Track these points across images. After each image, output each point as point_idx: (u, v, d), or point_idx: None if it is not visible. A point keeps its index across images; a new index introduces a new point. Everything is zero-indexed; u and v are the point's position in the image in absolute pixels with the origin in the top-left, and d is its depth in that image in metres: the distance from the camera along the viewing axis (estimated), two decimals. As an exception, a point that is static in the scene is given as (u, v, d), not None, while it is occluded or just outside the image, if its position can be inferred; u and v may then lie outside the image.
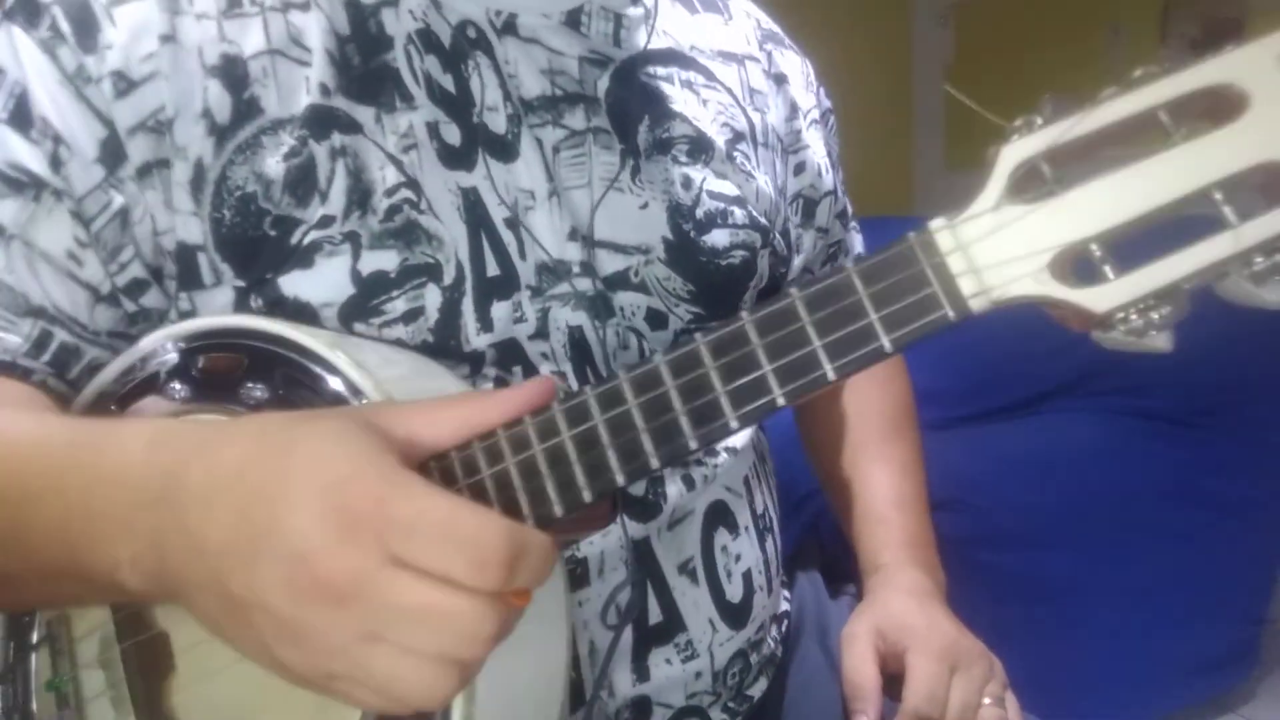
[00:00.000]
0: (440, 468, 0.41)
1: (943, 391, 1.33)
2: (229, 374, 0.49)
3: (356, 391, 0.46)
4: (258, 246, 0.52)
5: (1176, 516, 1.47)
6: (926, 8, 3.25)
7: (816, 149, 0.73)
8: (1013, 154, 0.36)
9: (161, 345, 0.51)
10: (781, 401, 0.40)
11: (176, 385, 0.50)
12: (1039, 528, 1.44)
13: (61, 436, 0.45)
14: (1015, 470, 1.47)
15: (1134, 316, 0.35)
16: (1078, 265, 0.36)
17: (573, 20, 0.60)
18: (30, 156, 0.51)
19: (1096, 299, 0.35)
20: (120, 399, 0.51)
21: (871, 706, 0.64)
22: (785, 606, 0.74)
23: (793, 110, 0.71)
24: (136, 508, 0.39)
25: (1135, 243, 0.35)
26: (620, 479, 0.41)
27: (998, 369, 1.53)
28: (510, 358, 0.56)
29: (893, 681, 0.66)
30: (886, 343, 0.38)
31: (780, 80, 0.71)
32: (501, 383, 0.56)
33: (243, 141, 0.52)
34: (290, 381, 0.47)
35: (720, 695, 0.64)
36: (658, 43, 0.64)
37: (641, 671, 0.60)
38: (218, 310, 0.53)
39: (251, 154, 0.52)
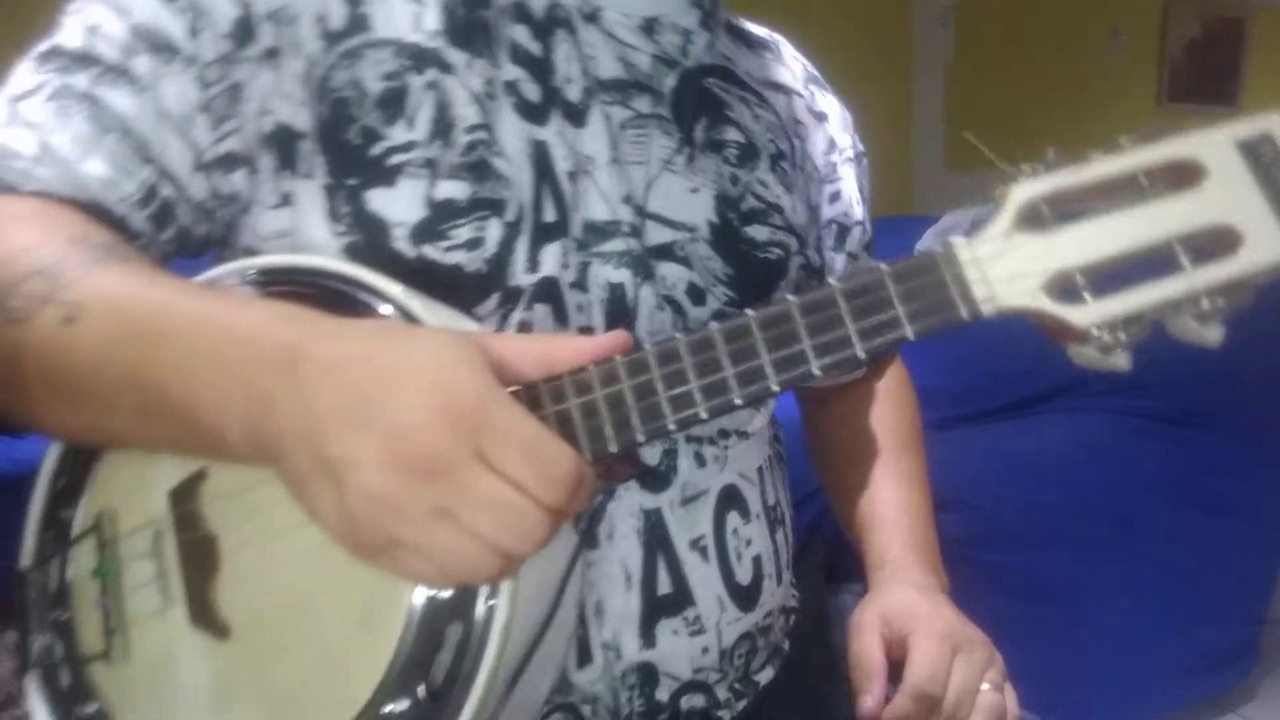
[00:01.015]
0: (527, 395, 0.47)
1: (943, 391, 1.33)
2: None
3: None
4: (345, 151, 0.57)
5: (1176, 516, 1.47)
6: (926, 8, 3.25)
7: (849, 183, 0.78)
8: (1021, 193, 0.45)
9: (236, 274, 0.54)
10: (817, 371, 0.46)
11: None
12: (1039, 528, 1.45)
13: (202, 292, 0.50)
14: (1015, 470, 1.48)
15: (1105, 335, 0.44)
16: (1064, 289, 0.44)
17: (648, 26, 0.66)
18: (170, 22, 0.56)
19: (1077, 316, 0.44)
20: None
21: (877, 687, 0.67)
22: (794, 603, 0.76)
23: (830, 145, 0.77)
24: (261, 367, 0.43)
25: (1110, 276, 0.44)
26: (671, 425, 0.47)
27: (998, 369, 1.53)
28: (545, 299, 0.60)
29: (896, 668, 0.68)
30: (910, 331, 0.46)
31: (821, 117, 0.77)
32: (525, 326, 0.59)
33: (348, 49, 0.57)
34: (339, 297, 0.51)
35: (727, 674, 0.66)
36: (718, 60, 0.70)
37: (649, 638, 0.62)
38: (309, 206, 0.57)
39: (354, 61, 0.57)
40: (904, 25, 3.29)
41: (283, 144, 0.57)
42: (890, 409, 0.86)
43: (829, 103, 0.79)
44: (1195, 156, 0.44)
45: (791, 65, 0.78)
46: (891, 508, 0.80)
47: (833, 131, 0.78)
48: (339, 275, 0.52)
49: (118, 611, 0.53)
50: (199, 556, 0.51)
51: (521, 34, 0.61)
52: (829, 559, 0.89)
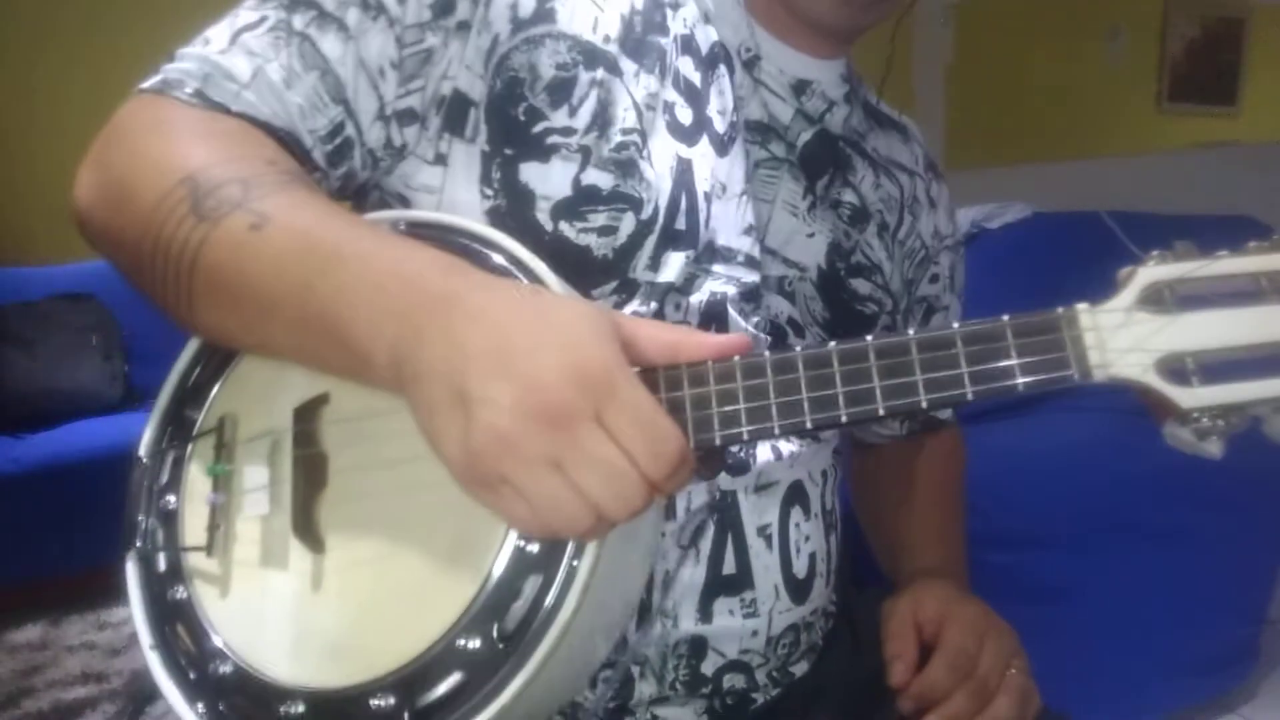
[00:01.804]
0: (647, 378, 0.49)
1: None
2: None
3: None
4: (509, 124, 0.62)
5: (1177, 516, 1.47)
6: (926, 8, 3.25)
7: (945, 269, 0.84)
8: (1147, 274, 0.47)
9: (389, 222, 0.57)
10: (924, 405, 0.48)
11: None
12: (1039, 528, 1.45)
13: (375, 230, 0.53)
14: (1015, 470, 1.48)
15: (1204, 419, 0.46)
16: (1174, 370, 0.47)
17: (799, 88, 0.72)
18: None
19: (1184, 397, 0.46)
20: None
21: (909, 655, 0.70)
22: (833, 608, 0.78)
23: (937, 231, 0.82)
24: (420, 302, 0.47)
25: (1219, 366, 0.47)
26: (776, 430, 0.49)
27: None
28: (654, 297, 0.64)
29: (928, 653, 0.70)
30: (1020, 383, 0.48)
31: (933, 203, 0.82)
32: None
33: (531, 35, 0.62)
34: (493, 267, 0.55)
35: (768, 660, 0.69)
36: (851, 134, 0.75)
37: (706, 613, 0.66)
38: (463, 166, 0.62)
39: (534, 48, 0.62)
40: (904, 25, 3.29)
41: (455, 108, 0.62)
42: (950, 465, 0.90)
43: (941, 191, 0.84)
44: None
45: (915, 151, 0.83)
46: (928, 535, 0.85)
47: (939, 219, 0.83)
48: (485, 239, 0.55)
49: (225, 510, 0.56)
50: (311, 472, 0.54)
51: (686, 64, 0.67)
52: (853, 566, 0.89)
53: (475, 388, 0.43)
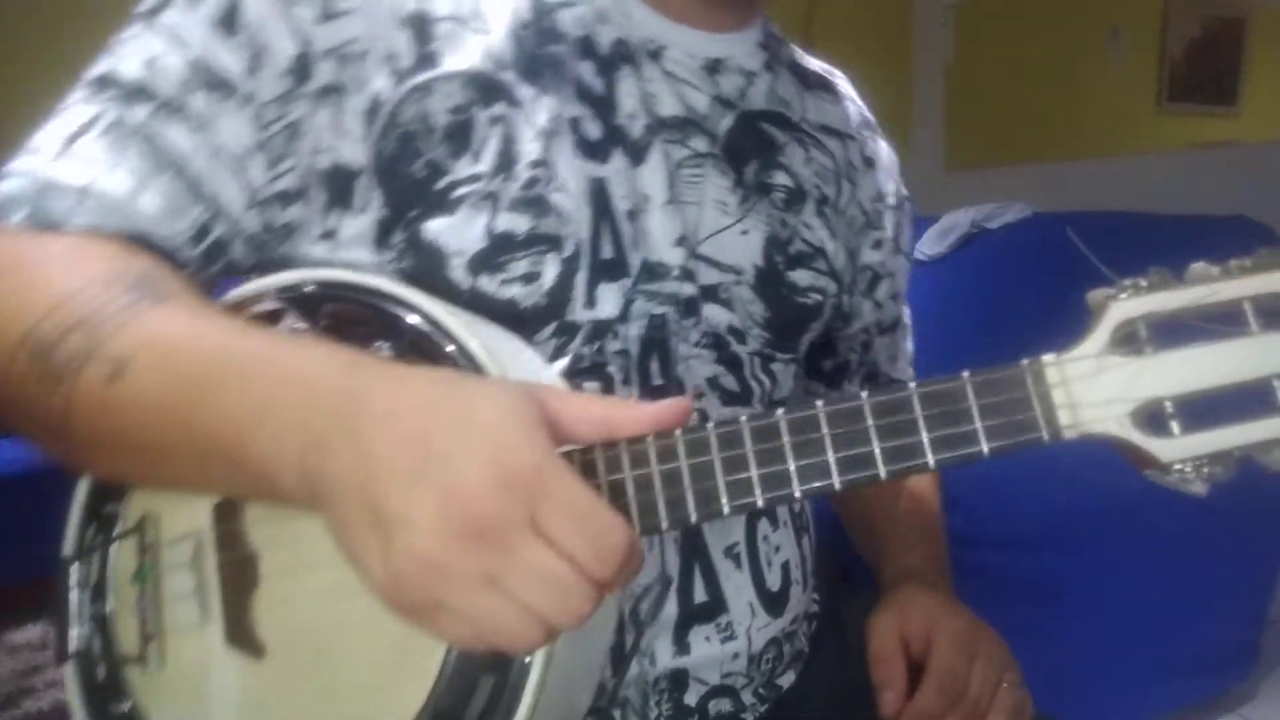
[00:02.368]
0: (582, 461, 0.46)
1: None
2: (355, 328, 0.51)
3: (478, 368, 0.49)
4: (407, 184, 0.57)
5: (1177, 517, 1.47)
6: (926, 8, 3.25)
7: (890, 231, 0.80)
8: (1119, 311, 0.43)
9: (294, 283, 0.54)
10: (883, 477, 0.45)
11: (301, 326, 0.52)
12: (1039, 528, 1.44)
13: (257, 334, 0.49)
14: (1015, 470, 1.47)
15: (1189, 470, 0.43)
16: (1151, 417, 0.43)
17: (712, 67, 0.67)
18: (229, 59, 0.55)
19: (1164, 450, 0.42)
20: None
21: (898, 681, 0.67)
22: (815, 608, 0.77)
23: (878, 193, 0.78)
24: (317, 415, 0.42)
25: (1199, 406, 0.43)
26: (726, 510, 0.45)
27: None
28: (598, 336, 0.60)
29: (916, 670, 0.68)
30: (985, 449, 0.44)
31: (871, 164, 0.78)
32: (577, 359, 0.60)
33: (418, 84, 0.57)
34: (416, 349, 0.50)
35: (753, 679, 0.68)
36: (775, 106, 0.71)
37: (682, 645, 0.63)
38: (355, 237, 0.57)
39: (423, 96, 0.57)
40: (904, 25, 3.28)
41: (337, 181, 0.57)
42: (923, 489, 0.87)
43: (879, 149, 0.80)
44: None
45: (847, 107, 0.79)
46: (911, 536, 0.82)
47: (880, 178, 0.79)
48: (400, 300, 0.51)
49: (155, 619, 0.53)
50: (239, 576, 0.51)
51: (587, 70, 0.62)
52: (842, 563, 0.89)
53: (391, 505, 0.39)
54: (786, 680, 0.71)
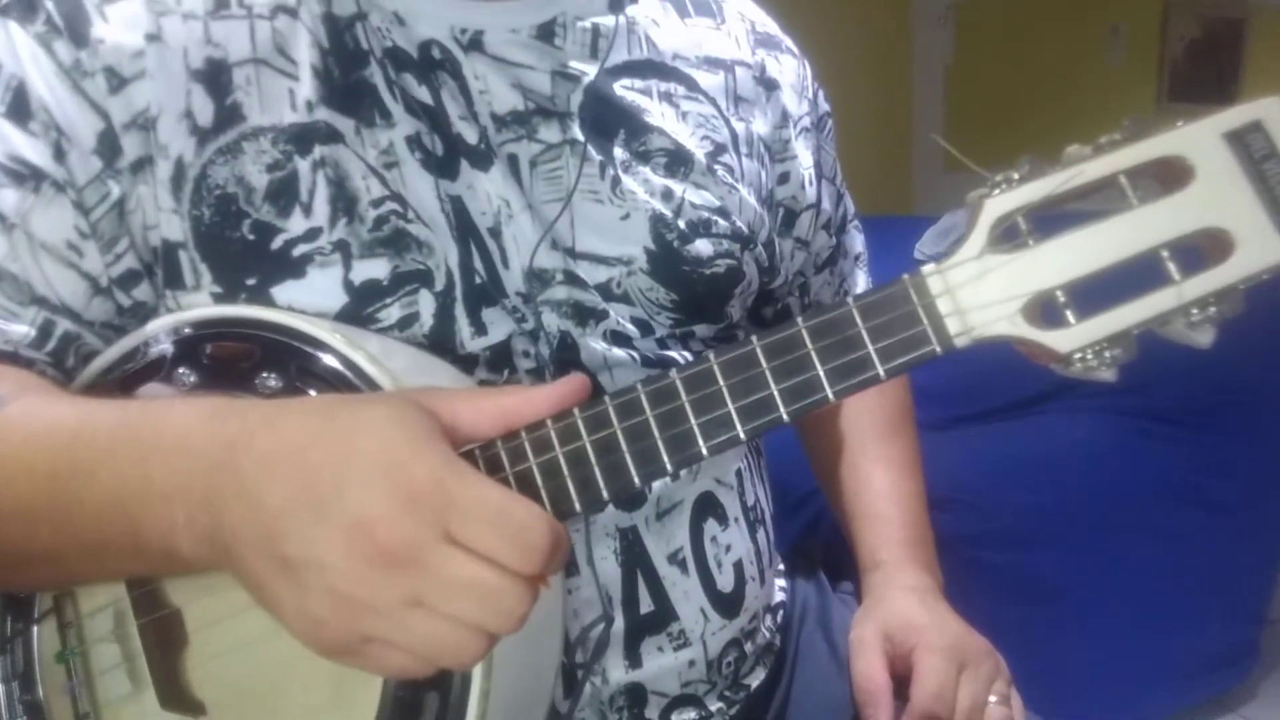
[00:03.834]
0: (485, 457, 0.45)
1: (943, 391, 1.33)
2: (240, 362, 0.50)
3: (372, 384, 0.48)
4: (236, 249, 0.52)
5: (1177, 516, 1.47)
6: (926, 8, 3.25)
7: (804, 159, 0.72)
8: (994, 208, 0.41)
9: (169, 330, 0.52)
10: (786, 419, 0.44)
11: (184, 370, 0.50)
12: (1039, 528, 1.44)
13: (109, 414, 0.46)
14: (1015, 470, 1.47)
15: (1090, 356, 0.41)
16: (1045, 308, 0.41)
17: (545, 33, 0.60)
18: (30, 148, 0.52)
19: (1060, 340, 0.41)
20: (123, 381, 0.52)
21: (884, 711, 0.64)
22: (781, 597, 0.75)
23: (783, 118, 0.70)
24: (196, 473, 0.41)
25: (1092, 290, 0.41)
26: (637, 481, 0.44)
27: (998, 369, 1.52)
28: (501, 361, 0.57)
29: (901, 684, 0.66)
30: (881, 371, 0.44)
31: (771, 86, 0.69)
32: (489, 385, 0.56)
33: (224, 145, 0.53)
34: (304, 373, 0.49)
35: (716, 684, 0.65)
36: (637, 53, 0.63)
37: (634, 659, 0.61)
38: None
39: (232, 157, 0.52)
40: (904, 25, 3.28)
41: (167, 260, 0.53)
42: (873, 394, 0.79)
43: (783, 66, 0.70)
44: (1181, 154, 0.40)
45: (735, 28, 0.69)
46: (882, 500, 0.77)
47: (786, 100, 0.70)
48: (279, 327, 0.50)
49: (88, 697, 0.51)
50: (163, 638, 0.49)
51: (409, 82, 0.56)
52: (828, 556, 0.89)
53: (294, 549, 0.37)
54: (755, 678, 0.69)
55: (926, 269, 0.43)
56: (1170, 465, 1.48)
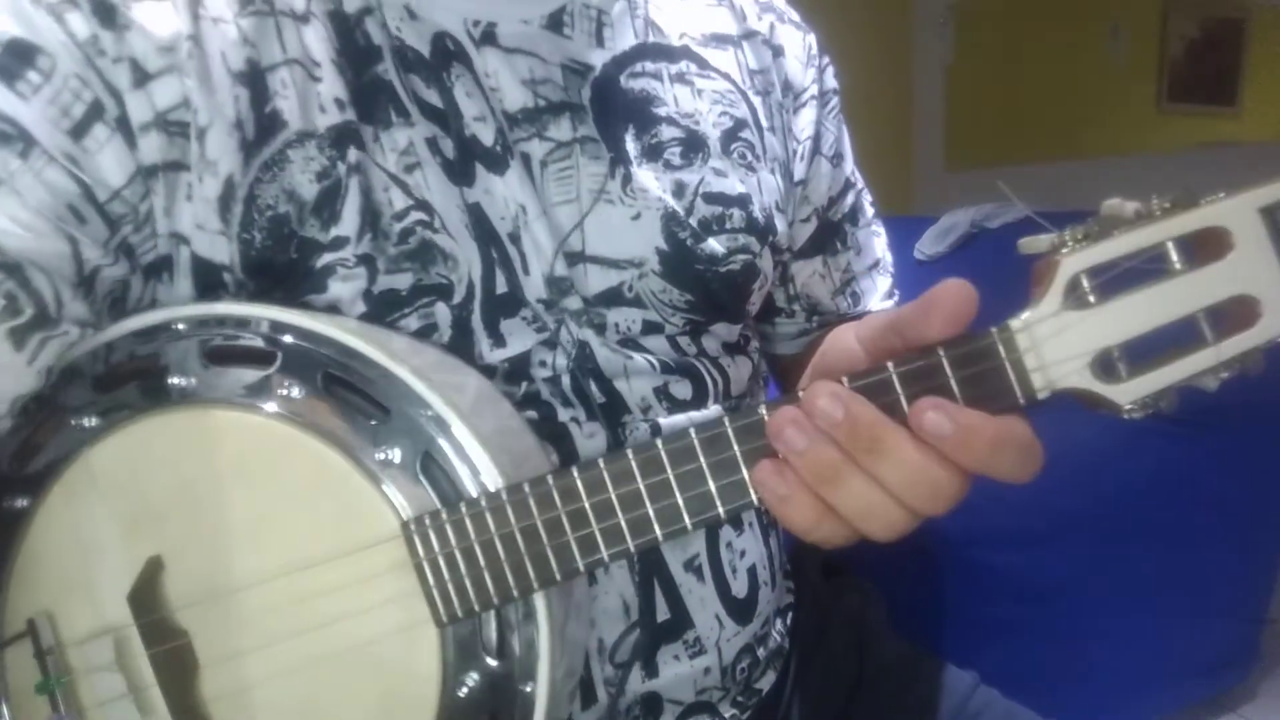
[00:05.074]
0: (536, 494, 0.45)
1: (943, 391, 1.33)
2: (258, 365, 0.48)
3: (395, 379, 0.46)
4: (283, 270, 0.51)
5: (1177, 516, 1.47)
6: (926, 8, 3.24)
7: (800, 131, 0.69)
8: (1069, 267, 0.44)
9: (164, 322, 0.48)
10: None
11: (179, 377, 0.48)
12: (1039, 528, 1.44)
13: None
14: (1015, 470, 1.47)
15: (1137, 408, 0.45)
16: (1104, 364, 0.45)
17: (554, 23, 0.59)
18: (14, 107, 0.46)
19: (1119, 394, 0.45)
20: (213, 351, 0.49)
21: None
22: (790, 599, 0.75)
23: (786, 87, 0.69)
24: None
25: (1140, 347, 0.45)
26: (689, 526, 0.45)
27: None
28: (519, 373, 0.56)
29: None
30: None
31: (777, 52, 0.68)
32: (507, 395, 0.55)
33: (269, 158, 0.50)
34: (329, 379, 0.47)
35: (729, 690, 0.65)
36: (644, 37, 0.62)
37: (651, 669, 0.60)
38: None
39: (279, 170, 0.50)
40: (904, 25, 3.28)
41: (205, 277, 0.50)
42: None
43: (788, 33, 0.70)
44: (1224, 225, 0.44)
45: (737, 4, 0.68)
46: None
47: (790, 69, 0.69)
48: (285, 326, 0.47)
49: None
50: (177, 666, 0.47)
51: (418, 83, 0.54)
52: (828, 557, 0.89)
53: None
54: (766, 682, 0.69)
55: (1014, 324, 0.45)
56: (1170, 465, 1.48)
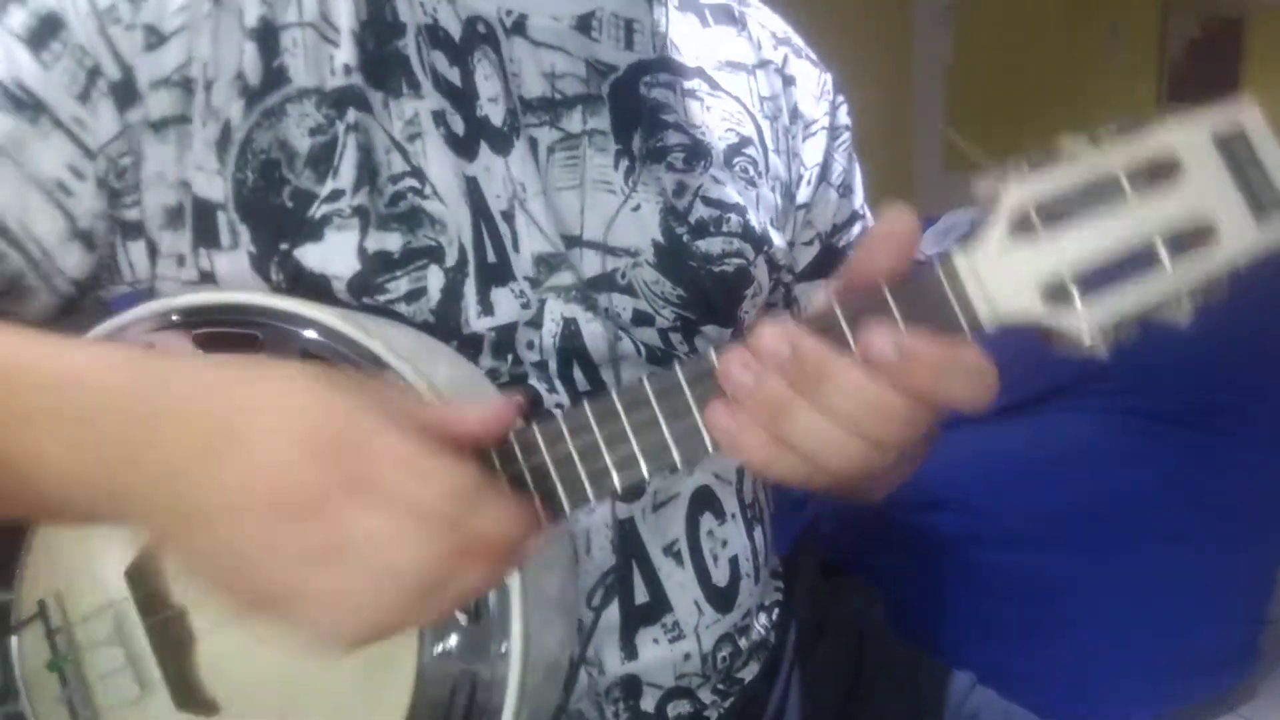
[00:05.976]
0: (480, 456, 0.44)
1: (943, 391, 1.33)
2: (238, 350, 0.49)
3: (381, 363, 0.47)
4: (275, 215, 0.53)
5: (1177, 516, 1.47)
6: (926, 8, 3.25)
7: (808, 158, 0.71)
8: (1012, 198, 0.44)
9: (155, 315, 0.50)
10: None
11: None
12: (1039, 528, 1.44)
13: (19, 341, 0.44)
14: (1016, 470, 1.47)
15: (1098, 338, 0.44)
16: (1057, 294, 0.44)
17: (583, 25, 0.61)
18: (37, 77, 0.51)
19: (1072, 322, 0.44)
20: None
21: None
22: (777, 596, 0.75)
23: (794, 116, 0.71)
24: (109, 420, 0.40)
25: (1095, 274, 0.45)
26: (679, 461, 0.44)
27: (998, 369, 1.52)
28: (505, 346, 0.57)
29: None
30: None
31: (789, 82, 0.70)
32: (493, 374, 0.56)
33: (270, 107, 0.53)
34: (309, 358, 0.48)
35: (709, 678, 0.65)
36: (664, 53, 0.64)
37: (630, 650, 0.61)
38: (234, 274, 0.53)
39: (276, 120, 0.53)
40: (904, 25, 3.28)
41: (201, 217, 0.53)
42: None
43: (802, 67, 0.72)
44: (1174, 151, 0.44)
45: (756, 34, 0.71)
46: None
47: (800, 100, 0.71)
48: (268, 310, 0.49)
49: (86, 702, 0.50)
50: (172, 636, 0.48)
51: (440, 60, 0.57)
52: (827, 558, 0.89)
53: (195, 497, 0.36)
54: (749, 673, 0.69)
55: (956, 254, 0.45)
56: (1170, 465, 1.48)
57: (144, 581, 0.49)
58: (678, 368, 0.44)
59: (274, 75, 0.54)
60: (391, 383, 0.47)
